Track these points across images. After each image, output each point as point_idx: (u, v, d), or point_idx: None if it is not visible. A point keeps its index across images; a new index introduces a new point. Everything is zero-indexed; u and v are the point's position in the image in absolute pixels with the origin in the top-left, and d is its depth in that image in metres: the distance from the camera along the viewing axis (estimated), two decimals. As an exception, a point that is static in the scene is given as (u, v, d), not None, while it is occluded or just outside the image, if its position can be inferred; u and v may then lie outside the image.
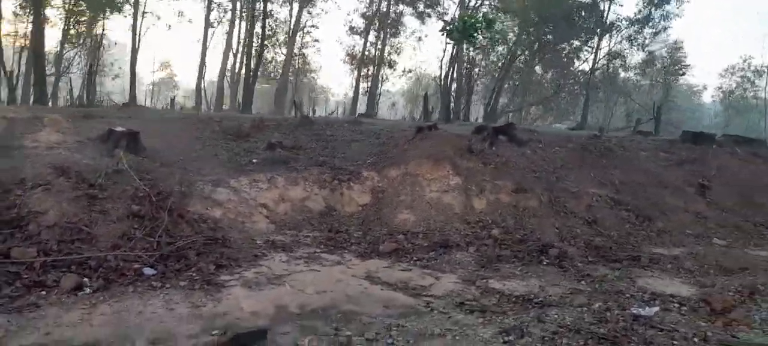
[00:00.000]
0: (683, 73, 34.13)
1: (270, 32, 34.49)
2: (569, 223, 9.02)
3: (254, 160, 10.43)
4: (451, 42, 22.28)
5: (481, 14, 20.80)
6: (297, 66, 52.46)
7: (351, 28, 41.54)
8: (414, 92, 56.59)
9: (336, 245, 8.06)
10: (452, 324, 4.94)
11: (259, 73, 37.77)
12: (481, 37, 22.51)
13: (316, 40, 42.44)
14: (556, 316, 5.23)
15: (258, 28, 25.41)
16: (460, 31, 20.37)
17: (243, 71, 31.36)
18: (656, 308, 5.87)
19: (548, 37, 35.23)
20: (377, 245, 8.05)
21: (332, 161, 10.52)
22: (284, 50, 39.07)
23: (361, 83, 42.02)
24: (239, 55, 35.33)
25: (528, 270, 7.29)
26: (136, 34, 24.40)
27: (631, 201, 10.07)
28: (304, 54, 43.15)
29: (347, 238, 8.38)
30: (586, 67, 36.88)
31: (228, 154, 11.02)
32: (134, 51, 24.15)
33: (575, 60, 38.04)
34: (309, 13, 40.29)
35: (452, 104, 36.08)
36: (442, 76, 34.06)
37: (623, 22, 33.13)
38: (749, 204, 10.90)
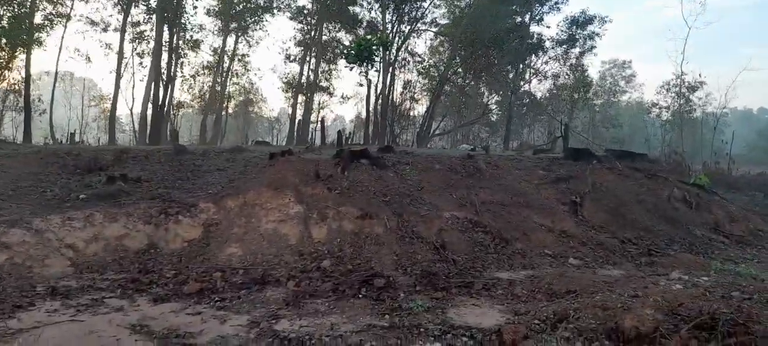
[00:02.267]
0: (586, 91, 34.57)
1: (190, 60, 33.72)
2: (413, 249, 8.49)
3: (82, 196, 9.56)
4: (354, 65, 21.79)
5: (376, 37, 20.48)
6: (241, 97, 51.79)
7: (287, 56, 41.07)
8: (362, 118, 56.44)
9: (138, 287, 7.27)
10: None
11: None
12: (377, 59, 22.28)
13: (250, 69, 41.58)
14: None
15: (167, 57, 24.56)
16: (355, 54, 20.03)
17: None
18: (436, 343, 5.34)
19: (480, 59, 35.56)
20: (185, 284, 7.30)
21: (171, 194, 9.75)
22: (210, 80, 38.20)
23: (298, 110, 41.39)
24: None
25: (337, 305, 6.70)
26: (28, 66, 23.07)
27: (490, 223, 9.65)
28: (243, 84, 42.26)
29: (157, 278, 7.58)
30: (531, 88, 37.67)
31: (61, 191, 10.11)
32: (27, 85, 22.80)
33: (520, 82, 38.62)
34: (246, 41, 39.74)
35: (387, 129, 36.01)
36: (367, 101, 33.88)
37: (548, 42, 33.67)
38: (619, 220, 10.68)
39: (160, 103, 23.83)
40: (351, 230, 8.75)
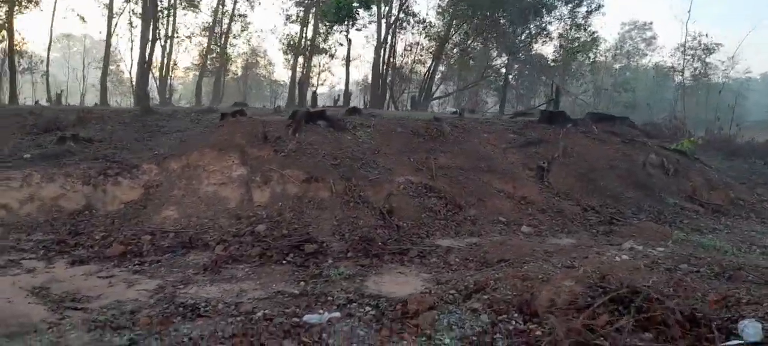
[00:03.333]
0: (589, 50, 33.09)
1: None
2: (356, 214, 8.25)
3: (26, 156, 9.45)
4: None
5: None
6: (247, 60, 51.36)
7: (287, 17, 40.23)
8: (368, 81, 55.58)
9: (62, 249, 7.17)
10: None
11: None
12: (359, 17, 21.58)
13: (249, 30, 40.91)
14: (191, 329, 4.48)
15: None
16: (334, 12, 19.38)
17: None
18: (335, 314, 5.12)
19: (484, 19, 34.51)
20: (110, 247, 7.17)
21: (118, 154, 9.58)
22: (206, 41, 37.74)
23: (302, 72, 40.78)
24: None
25: (258, 271, 6.54)
26: (11, 26, 22.82)
27: (445, 188, 9.34)
28: (242, 45, 41.75)
29: (85, 240, 7.46)
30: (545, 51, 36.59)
31: (10, 150, 10.00)
32: (11, 45, 22.62)
33: (529, 43, 37.35)
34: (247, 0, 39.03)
35: (389, 91, 35.48)
36: (374, 63, 33.32)
37: (553, 1, 32.42)
38: (587, 186, 10.29)
39: (145, 63, 23.51)
40: (294, 194, 8.51)
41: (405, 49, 37.89)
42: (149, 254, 7.08)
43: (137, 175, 8.74)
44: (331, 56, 42.05)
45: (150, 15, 24.10)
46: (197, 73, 41.90)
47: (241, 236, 7.62)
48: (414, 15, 35.23)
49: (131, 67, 35.04)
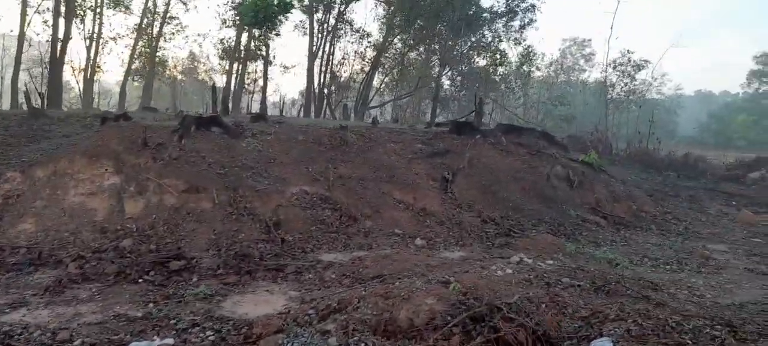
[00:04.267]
0: (502, 63, 34.02)
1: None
2: (238, 227, 7.76)
3: None
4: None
5: None
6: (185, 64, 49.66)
7: (222, 21, 39.04)
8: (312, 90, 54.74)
9: None
10: None
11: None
12: (278, 23, 21.15)
13: (186, 34, 39.40)
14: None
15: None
16: (253, 15, 18.85)
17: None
18: (167, 341, 4.64)
19: (419, 29, 34.73)
20: (-56, 266, 6.37)
21: (-20, 161, 8.67)
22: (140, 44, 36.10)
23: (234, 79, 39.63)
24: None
25: (107, 292, 5.98)
26: None
27: (342, 199, 9.00)
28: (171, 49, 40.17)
29: None
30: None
31: None
32: None
33: (473, 57, 37.82)
34: (182, 2, 37.51)
35: (325, 100, 35.00)
36: (307, 70, 32.86)
37: (486, 15, 33.03)
38: (489, 198, 10.20)
39: (56, 63, 22.08)
40: (172, 206, 7.94)
41: (342, 58, 37.64)
42: (-10, 273, 6.35)
43: (-3, 184, 7.92)
44: (269, 63, 41.28)
45: (58, 13, 22.70)
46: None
47: (103, 251, 7.00)
48: (350, 23, 35.09)
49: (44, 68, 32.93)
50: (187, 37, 39.14)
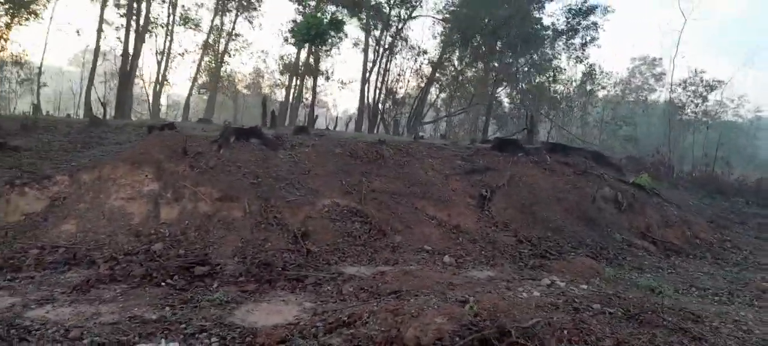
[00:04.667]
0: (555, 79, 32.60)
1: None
2: (266, 236, 7.87)
3: (-60, 162, 9.18)
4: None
5: (328, 15, 19.57)
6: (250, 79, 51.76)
7: (285, 39, 40.36)
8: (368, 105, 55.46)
9: (-60, 260, 6.82)
10: None
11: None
12: (330, 39, 21.47)
13: (245, 50, 41.08)
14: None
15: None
16: (304, 33, 19.24)
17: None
18: (172, 344, 4.72)
19: (478, 46, 34.45)
20: (-13, 261, 6.83)
21: (38, 164, 9.30)
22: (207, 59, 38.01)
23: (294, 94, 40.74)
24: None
25: (130, 293, 6.19)
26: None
27: (373, 213, 8.96)
28: (235, 65, 41.97)
29: (-33, 253, 7.12)
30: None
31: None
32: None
33: (535, 74, 37.14)
34: (248, 21, 39.25)
35: (379, 115, 35.28)
36: (361, 87, 33.30)
37: (547, 33, 32.29)
38: (529, 218, 9.85)
39: (125, 76, 23.53)
40: (205, 213, 8.16)
41: (398, 74, 37.86)
42: (29, 269, 6.76)
43: (47, 186, 8.43)
44: (327, 78, 42.14)
45: (129, 29, 24.26)
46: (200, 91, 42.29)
47: (135, 254, 7.27)
48: (406, 40, 35.28)
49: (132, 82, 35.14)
50: (251, 53, 40.59)
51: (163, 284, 6.48)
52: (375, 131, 32.54)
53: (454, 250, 8.66)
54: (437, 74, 36.68)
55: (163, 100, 44.11)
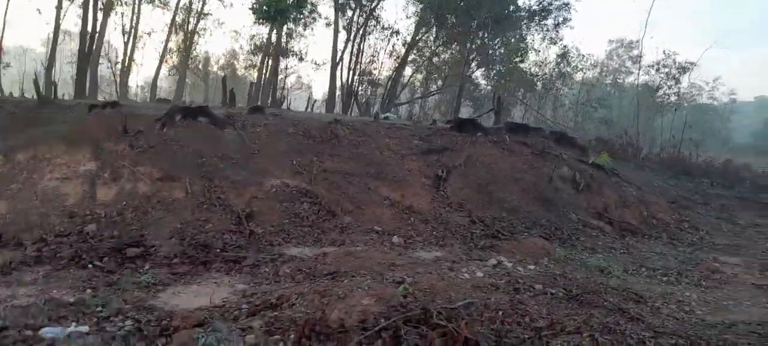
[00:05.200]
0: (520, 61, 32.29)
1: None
2: (208, 217, 7.65)
3: None
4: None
5: None
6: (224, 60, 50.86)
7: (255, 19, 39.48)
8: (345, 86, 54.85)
9: None
10: None
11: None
12: (296, 17, 21.08)
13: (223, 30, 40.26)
14: None
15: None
16: (263, 11, 18.82)
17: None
18: (81, 328, 4.50)
19: (452, 27, 34.16)
20: None
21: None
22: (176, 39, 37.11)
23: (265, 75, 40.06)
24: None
25: (53, 275, 5.99)
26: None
27: (323, 193, 8.78)
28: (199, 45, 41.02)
29: None
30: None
31: None
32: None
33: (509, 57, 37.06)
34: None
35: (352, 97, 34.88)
36: (332, 66, 32.85)
37: (522, 13, 32.15)
38: (484, 198, 9.78)
39: (84, 56, 22.77)
40: (144, 193, 7.89)
41: (372, 55, 37.48)
42: (-57, 254, 6.42)
43: (-22, 166, 8.05)
44: (300, 59, 41.56)
45: (87, 6, 23.48)
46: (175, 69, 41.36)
47: (66, 235, 7.00)
48: (378, 20, 34.85)
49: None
50: (224, 33, 39.76)
51: (89, 266, 6.24)
52: (349, 113, 32.23)
53: (404, 230, 8.53)
54: (413, 56, 36.44)
55: (133, 82, 43.19)
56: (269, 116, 11.25)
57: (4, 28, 32.24)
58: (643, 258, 8.88)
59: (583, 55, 44.38)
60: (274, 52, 35.89)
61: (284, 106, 27.98)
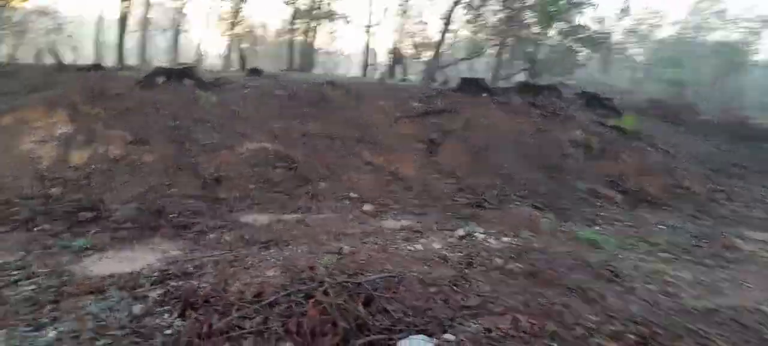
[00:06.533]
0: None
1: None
2: (174, 181, 7.59)
3: None
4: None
5: None
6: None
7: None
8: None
9: None
10: None
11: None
12: None
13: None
14: None
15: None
16: None
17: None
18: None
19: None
20: None
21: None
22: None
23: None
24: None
25: (5, 237, 5.99)
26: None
27: (299, 158, 8.53)
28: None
29: None
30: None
31: None
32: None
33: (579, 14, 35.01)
34: None
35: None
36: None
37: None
38: (479, 164, 9.19)
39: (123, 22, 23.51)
40: (114, 156, 7.91)
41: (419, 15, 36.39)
42: None
43: (-35, 129, 8.33)
44: (347, 21, 41.03)
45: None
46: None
47: (32, 198, 7.10)
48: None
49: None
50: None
51: (35, 229, 6.27)
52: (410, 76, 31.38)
53: (381, 198, 8.13)
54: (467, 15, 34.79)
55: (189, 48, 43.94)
56: (263, 78, 11.00)
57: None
58: (649, 232, 8.03)
59: (657, 12, 41.21)
60: (315, 14, 35.71)
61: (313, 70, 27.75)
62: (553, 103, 10.87)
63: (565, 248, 6.80)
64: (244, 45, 44.14)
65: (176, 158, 8.06)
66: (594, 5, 33.91)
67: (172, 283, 4.73)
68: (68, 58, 35.08)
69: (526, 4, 29.97)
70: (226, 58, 38.48)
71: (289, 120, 9.38)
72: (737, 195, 10.67)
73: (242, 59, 13.35)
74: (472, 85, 11.41)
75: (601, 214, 8.64)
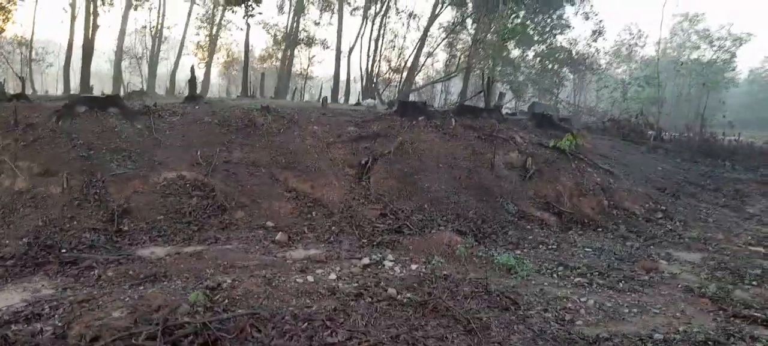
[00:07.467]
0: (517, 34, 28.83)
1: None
2: (77, 214, 7.29)
3: None
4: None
5: None
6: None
7: (279, 7, 39.58)
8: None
9: None
10: None
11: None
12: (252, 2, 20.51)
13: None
14: None
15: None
16: None
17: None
18: None
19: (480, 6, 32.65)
20: None
21: None
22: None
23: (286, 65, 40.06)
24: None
25: None
26: None
27: (219, 186, 8.28)
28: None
29: None
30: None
31: None
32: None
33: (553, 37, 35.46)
34: None
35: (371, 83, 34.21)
36: (337, 52, 32.39)
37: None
38: (408, 189, 8.98)
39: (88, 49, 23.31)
40: (20, 189, 7.63)
41: (391, 41, 36.64)
42: None
43: None
44: (325, 47, 41.17)
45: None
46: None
47: (-77, 235, 6.78)
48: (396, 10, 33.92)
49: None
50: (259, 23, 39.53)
51: None
52: (368, 100, 31.43)
53: (298, 226, 7.89)
54: (434, 38, 35.09)
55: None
56: (196, 104, 10.79)
57: (33, 28, 33.67)
58: (570, 255, 7.82)
59: (640, 31, 41.80)
60: (292, 40, 35.83)
61: (288, 97, 27.67)
62: (492, 126, 10.69)
63: (476, 274, 6.58)
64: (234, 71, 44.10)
65: (84, 190, 7.78)
66: (570, 27, 34.35)
67: (19, 327, 4.44)
68: (38, 86, 34.93)
69: (492, 29, 30.28)
70: (204, 83, 38.46)
71: (213, 147, 9.14)
72: (679, 214, 10.48)
73: (192, 82, 13.11)
74: (409, 108, 11.24)
75: (528, 237, 8.42)
